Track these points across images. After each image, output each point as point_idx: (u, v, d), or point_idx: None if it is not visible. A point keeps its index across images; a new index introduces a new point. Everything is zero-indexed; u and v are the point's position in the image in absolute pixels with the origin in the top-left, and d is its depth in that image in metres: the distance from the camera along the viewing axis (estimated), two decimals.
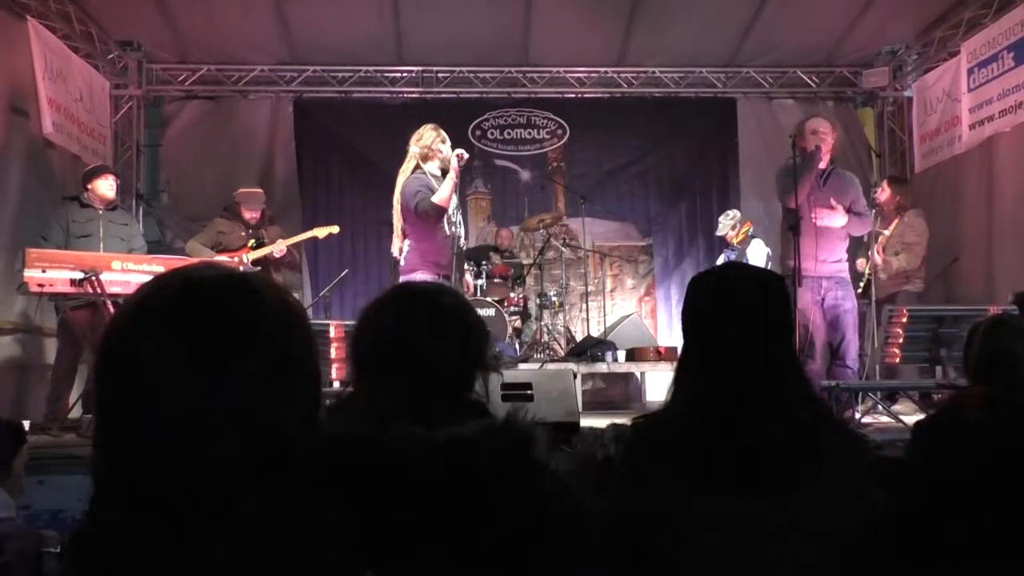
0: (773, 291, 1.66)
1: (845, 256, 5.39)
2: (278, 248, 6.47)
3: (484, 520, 1.25)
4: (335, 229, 6.87)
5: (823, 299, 5.13)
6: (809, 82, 8.74)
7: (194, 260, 5.55)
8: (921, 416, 5.19)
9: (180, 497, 0.79)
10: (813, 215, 5.06)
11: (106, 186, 5.76)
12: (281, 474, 0.83)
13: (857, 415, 5.13)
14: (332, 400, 1.47)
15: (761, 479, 1.48)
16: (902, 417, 5.07)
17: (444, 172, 4.91)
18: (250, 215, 6.55)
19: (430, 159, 4.98)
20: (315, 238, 6.91)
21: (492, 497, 1.26)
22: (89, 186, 5.74)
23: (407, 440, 1.28)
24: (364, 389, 1.49)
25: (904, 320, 5.03)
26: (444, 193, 4.86)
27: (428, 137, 5.00)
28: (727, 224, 7.61)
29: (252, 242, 6.43)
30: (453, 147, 4.99)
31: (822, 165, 5.19)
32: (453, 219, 4.98)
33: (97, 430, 0.85)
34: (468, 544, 1.24)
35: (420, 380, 1.44)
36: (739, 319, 1.59)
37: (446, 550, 1.23)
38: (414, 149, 5.01)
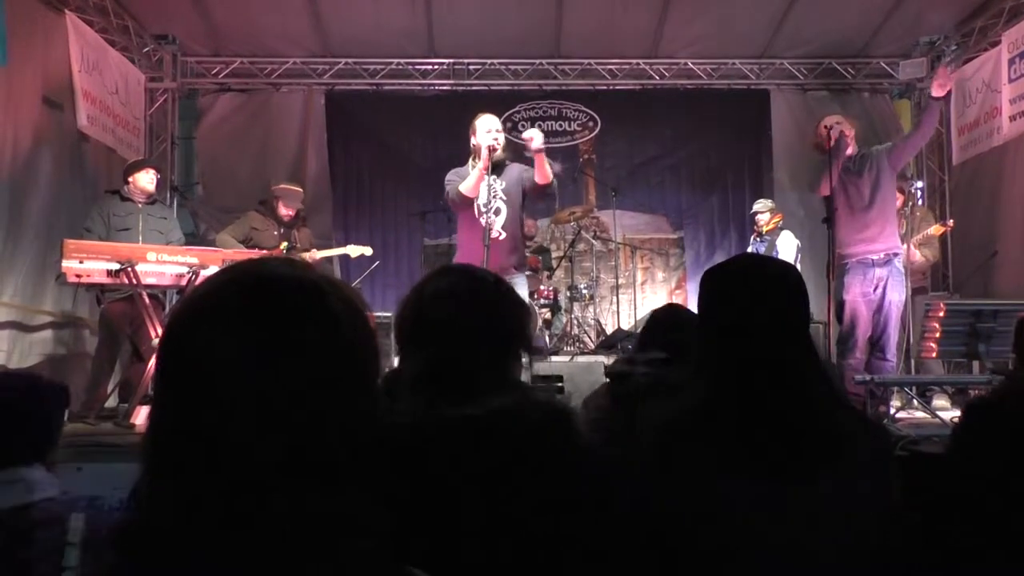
0: (789, 280, 1.68)
1: (895, 230, 5.32)
2: (311, 257, 6.51)
3: (519, 492, 1.26)
4: (368, 251, 6.92)
5: (874, 290, 5.08)
6: (844, 73, 8.61)
7: (237, 254, 5.60)
8: (957, 412, 5.13)
9: (230, 490, 0.79)
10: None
11: (147, 179, 5.83)
12: (333, 474, 0.83)
13: (892, 410, 5.07)
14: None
15: (786, 466, 1.50)
16: (939, 413, 5.00)
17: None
18: (286, 212, 6.60)
19: (472, 145, 4.99)
20: (347, 256, 6.99)
21: (527, 470, 1.27)
22: (130, 179, 5.82)
23: (439, 417, 1.29)
24: (407, 367, 1.52)
25: (941, 314, 4.94)
26: (469, 183, 4.87)
27: (471, 123, 5.03)
28: (764, 205, 7.56)
29: (284, 244, 6.48)
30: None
31: (850, 151, 5.16)
32: (484, 209, 4.95)
33: (153, 416, 0.85)
34: (502, 517, 1.25)
35: (459, 356, 1.45)
36: (758, 308, 1.60)
37: (480, 523, 1.24)
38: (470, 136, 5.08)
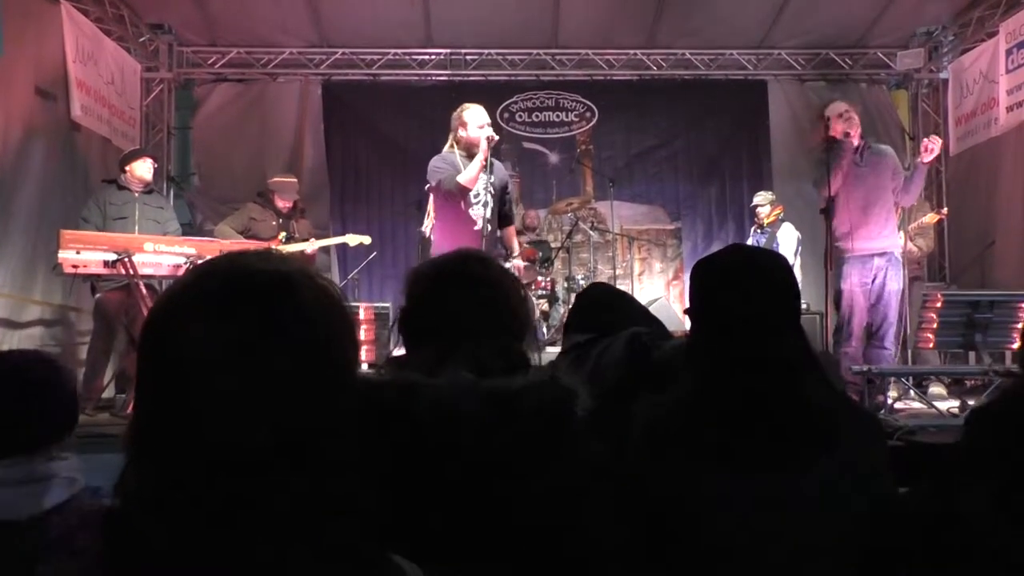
0: (780, 271, 1.67)
1: (895, 227, 5.30)
2: (310, 248, 6.49)
3: (524, 469, 1.26)
4: (367, 240, 6.87)
5: (872, 280, 5.04)
6: (842, 64, 8.60)
7: (235, 244, 5.60)
8: (954, 402, 5.15)
9: (212, 479, 0.80)
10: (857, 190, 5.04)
11: (144, 168, 5.80)
12: (313, 461, 0.84)
13: (889, 400, 5.08)
14: (388, 365, 1.49)
15: (778, 459, 1.50)
16: (936, 403, 5.01)
17: (470, 155, 4.88)
18: (283, 204, 6.59)
19: (458, 136, 4.97)
20: (345, 245, 6.98)
21: (534, 447, 1.27)
22: (127, 168, 5.78)
23: (456, 385, 1.29)
24: (413, 355, 1.51)
25: (939, 305, 4.96)
26: (470, 173, 4.85)
27: (457, 114, 4.99)
28: (765, 198, 7.56)
29: (283, 235, 6.46)
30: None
31: (856, 142, 5.12)
32: (474, 201, 4.96)
33: (135, 410, 0.87)
34: (507, 492, 1.25)
35: (468, 342, 1.44)
36: (749, 300, 1.59)
37: (485, 497, 1.24)
38: (453, 126, 5.02)
